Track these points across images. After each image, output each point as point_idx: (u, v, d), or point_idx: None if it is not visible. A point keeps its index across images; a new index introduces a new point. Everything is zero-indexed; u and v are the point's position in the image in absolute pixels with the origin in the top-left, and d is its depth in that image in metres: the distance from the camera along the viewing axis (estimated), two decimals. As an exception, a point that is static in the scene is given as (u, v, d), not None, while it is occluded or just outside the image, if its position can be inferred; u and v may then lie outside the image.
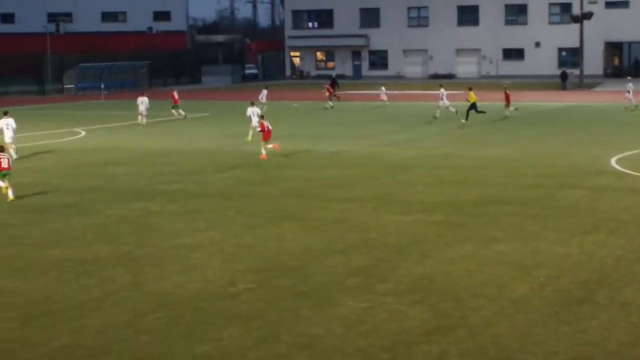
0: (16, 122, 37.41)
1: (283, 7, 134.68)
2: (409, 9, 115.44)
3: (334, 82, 76.80)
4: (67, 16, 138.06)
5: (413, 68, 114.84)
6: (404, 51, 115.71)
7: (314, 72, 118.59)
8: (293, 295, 16.34)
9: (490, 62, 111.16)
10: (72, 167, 34.61)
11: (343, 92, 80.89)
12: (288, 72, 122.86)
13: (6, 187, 27.17)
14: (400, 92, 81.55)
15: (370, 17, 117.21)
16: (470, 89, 51.91)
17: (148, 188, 29.08)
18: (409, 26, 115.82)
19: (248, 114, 41.97)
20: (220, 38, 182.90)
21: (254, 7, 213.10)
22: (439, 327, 14.42)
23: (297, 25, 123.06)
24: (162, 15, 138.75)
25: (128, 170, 33.39)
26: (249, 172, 32.44)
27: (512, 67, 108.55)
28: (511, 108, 53.64)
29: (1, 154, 27.76)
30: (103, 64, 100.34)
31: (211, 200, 26.55)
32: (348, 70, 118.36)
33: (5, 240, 21.40)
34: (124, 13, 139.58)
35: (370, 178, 30.58)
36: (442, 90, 54.59)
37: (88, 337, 14.17)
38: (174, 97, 58.08)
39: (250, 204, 25.70)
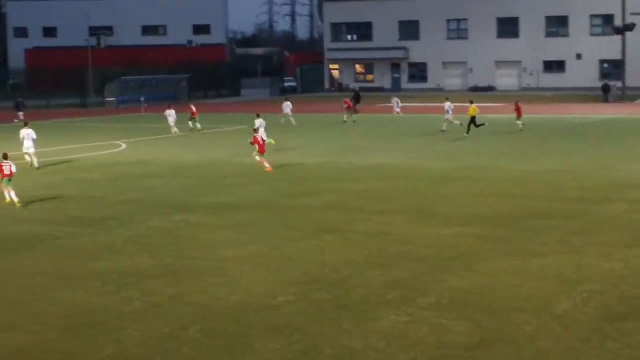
0: (55, 134, 37.90)
1: (322, 19, 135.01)
2: (448, 21, 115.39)
3: (357, 96, 76.76)
4: (108, 30, 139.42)
5: (452, 80, 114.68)
6: (444, 63, 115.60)
7: (352, 85, 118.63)
8: (333, 308, 16.29)
9: (531, 75, 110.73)
10: (113, 180, 34.83)
11: (382, 104, 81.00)
12: (327, 85, 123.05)
13: (10, 199, 28.83)
14: (438, 104, 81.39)
15: (410, 29, 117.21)
16: (471, 102, 51.72)
17: (187, 200, 29.18)
18: (448, 38, 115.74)
19: (256, 126, 41.99)
20: (259, 51, 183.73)
21: (293, 20, 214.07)
22: (481, 341, 14.31)
23: (336, 37, 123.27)
24: (201, 29, 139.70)
25: (168, 183, 33.56)
26: (288, 184, 32.45)
27: (553, 79, 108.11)
28: (519, 122, 53.36)
29: (5, 161, 29.29)
30: (143, 77, 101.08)
31: (251, 212, 26.58)
32: (387, 83, 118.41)
33: (50, 252, 21.55)
34: (164, 26, 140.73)
35: (409, 190, 30.49)
36: (448, 103, 54.41)
37: (130, 349, 14.21)
38: (191, 109, 59.11)
39: (290, 217, 25.70)
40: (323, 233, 23.18)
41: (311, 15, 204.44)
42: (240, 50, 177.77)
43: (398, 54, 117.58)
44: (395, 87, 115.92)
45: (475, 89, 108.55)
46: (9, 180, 29.05)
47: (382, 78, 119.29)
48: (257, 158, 36.95)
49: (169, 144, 50.75)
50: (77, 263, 20.31)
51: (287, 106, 63.25)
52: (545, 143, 46.54)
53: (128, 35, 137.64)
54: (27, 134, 39.16)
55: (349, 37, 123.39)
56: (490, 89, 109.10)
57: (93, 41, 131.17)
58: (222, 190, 31.35)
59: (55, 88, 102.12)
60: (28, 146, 38.96)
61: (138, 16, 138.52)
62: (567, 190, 29.80)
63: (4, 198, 28.83)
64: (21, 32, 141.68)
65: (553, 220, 24.25)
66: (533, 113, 55.34)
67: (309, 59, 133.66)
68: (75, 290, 17.81)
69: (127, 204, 28.60)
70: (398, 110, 65.71)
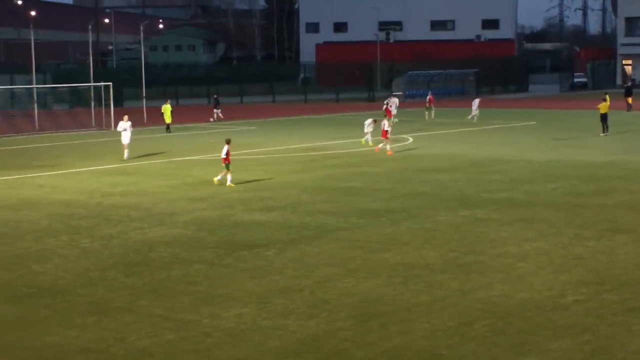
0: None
1: (615, 14, 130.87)
2: None
3: (628, 90, 74.84)
4: (397, 25, 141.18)
5: None
6: None
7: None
8: (625, 310, 15.76)
9: None
10: (401, 172, 35.25)
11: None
12: (619, 81, 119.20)
13: (219, 180, 32.15)
14: None
15: None
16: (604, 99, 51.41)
17: (475, 195, 29.09)
18: None
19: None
20: (548, 46, 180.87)
21: (584, 14, 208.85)
22: None
23: (630, 32, 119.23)
24: (490, 23, 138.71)
25: (455, 177, 33.59)
26: (581, 183, 31.63)
27: None
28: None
29: (227, 145, 31.90)
30: (431, 72, 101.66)
31: (540, 210, 26.14)
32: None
33: (337, 242, 22.08)
34: (453, 21, 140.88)
35: None
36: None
37: (417, 340, 14.33)
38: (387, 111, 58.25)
39: (580, 215, 25.09)
40: (615, 233, 22.49)
41: (604, 10, 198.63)
42: (528, 46, 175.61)
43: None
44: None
45: None
46: (228, 165, 31.83)
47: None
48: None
49: (456, 139, 50.83)
50: (363, 254, 20.68)
51: (475, 103, 64.50)
52: None
53: (417, 30, 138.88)
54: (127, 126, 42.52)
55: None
56: None
57: (382, 36, 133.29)
58: (513, 186, 31.00)
59: (344, 82, 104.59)
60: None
61: (427, 11, 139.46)
62: None
63: (225, 181, 32.08)
64: (313, 27, 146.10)
65: None
66: None
67: (601, 54, 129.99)
68: (361, 281, 18.15)
69: (415, 197, 28.86)
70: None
